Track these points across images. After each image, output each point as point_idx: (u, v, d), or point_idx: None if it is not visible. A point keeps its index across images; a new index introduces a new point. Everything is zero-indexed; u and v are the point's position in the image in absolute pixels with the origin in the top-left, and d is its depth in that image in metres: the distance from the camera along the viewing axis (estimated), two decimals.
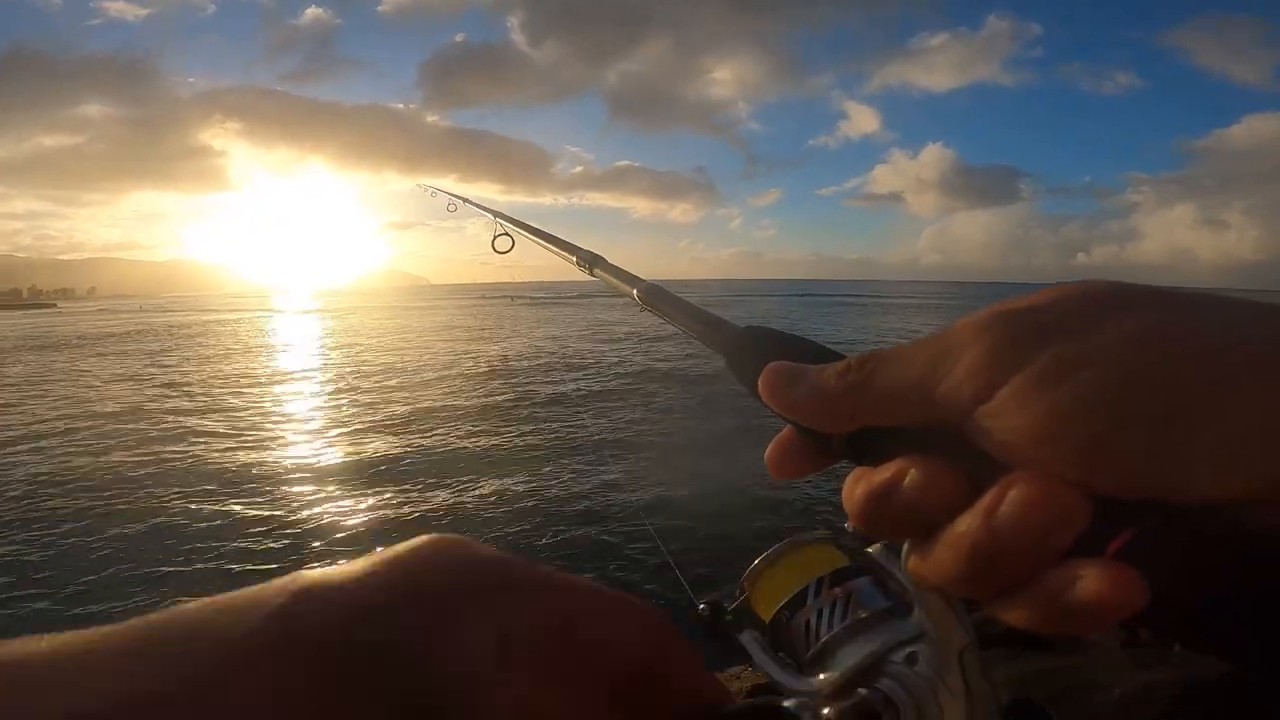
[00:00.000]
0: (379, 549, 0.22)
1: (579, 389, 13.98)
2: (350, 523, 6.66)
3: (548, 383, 14.93)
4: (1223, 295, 0.24)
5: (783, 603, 0.33)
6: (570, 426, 10.48)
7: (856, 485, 0.26)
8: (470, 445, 9.40)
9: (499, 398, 13.09)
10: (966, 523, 0.23)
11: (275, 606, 0.20)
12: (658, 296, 0.47)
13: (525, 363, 18.64)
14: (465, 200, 1.43)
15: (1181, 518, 0.21)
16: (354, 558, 0.22)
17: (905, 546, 0.27)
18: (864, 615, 0.30)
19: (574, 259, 0.70)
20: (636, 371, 16.19)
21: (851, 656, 0.29)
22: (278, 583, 0.21)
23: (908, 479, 0.24)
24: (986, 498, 0.22)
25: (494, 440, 9.67)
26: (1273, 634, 0.20)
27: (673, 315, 0.44)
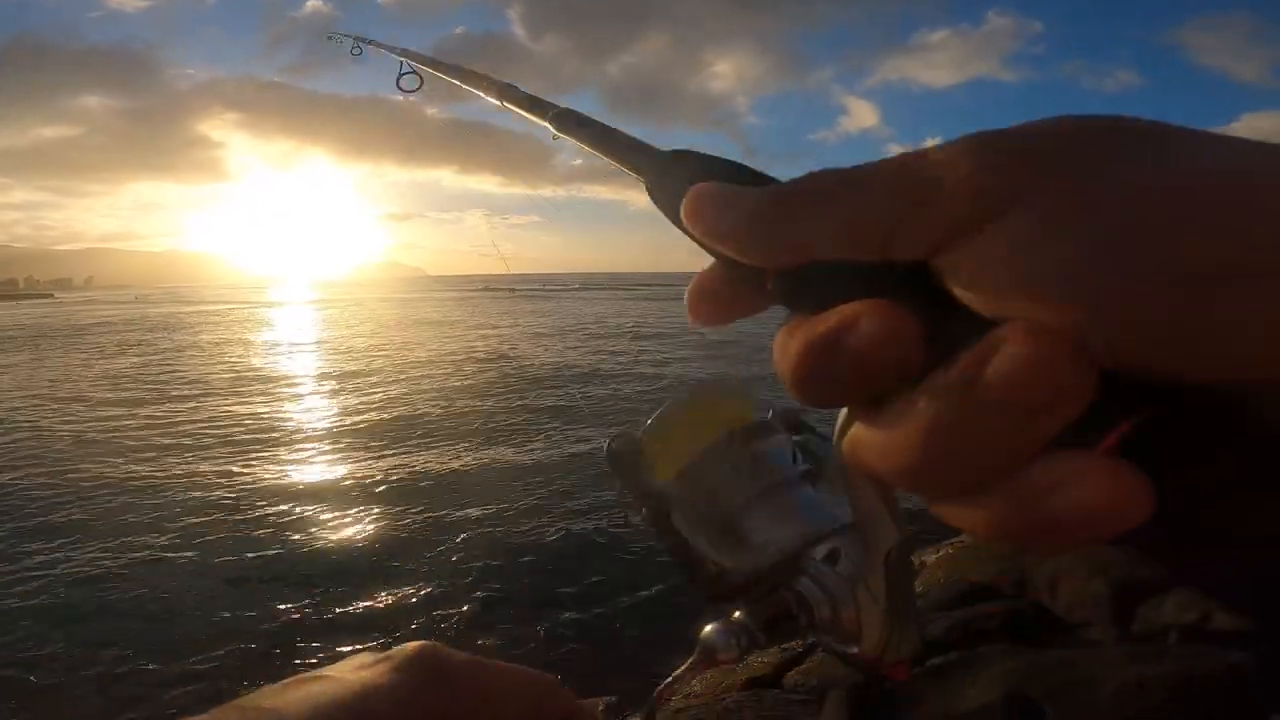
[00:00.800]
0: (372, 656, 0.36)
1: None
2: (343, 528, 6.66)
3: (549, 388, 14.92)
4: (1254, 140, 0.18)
5: (684, 464, 0.30)
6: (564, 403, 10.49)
7: (791, 337, 0.21)
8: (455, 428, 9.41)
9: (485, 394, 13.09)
10: (932, 391, 0.18)
11: None
12: (575, 122, 0.43)
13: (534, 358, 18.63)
14: (369, 41, 1.34)
15: (1199, 407, 0.16)
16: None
17: (842, 416, 0.22)
18: (768, 482, 0.28)
19: (483, 91, 0.68)
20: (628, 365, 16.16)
21: (766, 539, 0.27)
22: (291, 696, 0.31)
23: (860, 325, 0.19)
24: (965, 356, 0.17)
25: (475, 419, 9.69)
26: None
27: (592, 141, 0.40)
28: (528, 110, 0.54)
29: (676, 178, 0.28)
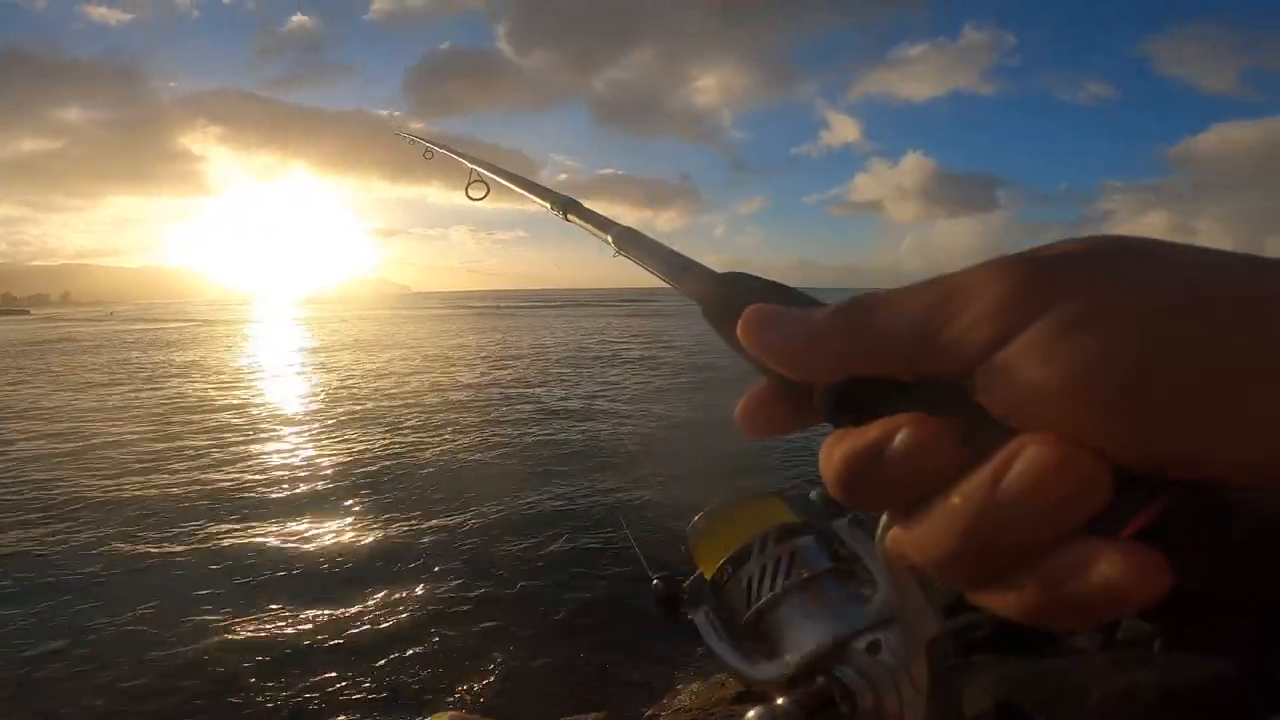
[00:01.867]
0: None
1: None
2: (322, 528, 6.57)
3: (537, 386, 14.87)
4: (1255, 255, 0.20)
5: (726, 558, 0.31)
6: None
7: (836, 446, 0.23)
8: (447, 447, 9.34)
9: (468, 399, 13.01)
10: (966, 489, 0.20)
11: None
12: (633, 240, 0.46)
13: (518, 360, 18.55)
14: (441, 147, 1.38)
15: (1215, 498, 0.18)
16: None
17: (883, 519, 0.24)
18: (805, 576, 0.29)
19: (548, 204, 0.70)
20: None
21: (807, 634, 0.28)
22: None
23: (898, 438, 0.21)
24: (994, 460, 0.19)
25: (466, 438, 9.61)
26: None
27: (648, 260, 0.42)
28: (591, 225, 0.57)
29: (730, 298, 0.30)
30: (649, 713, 3.26)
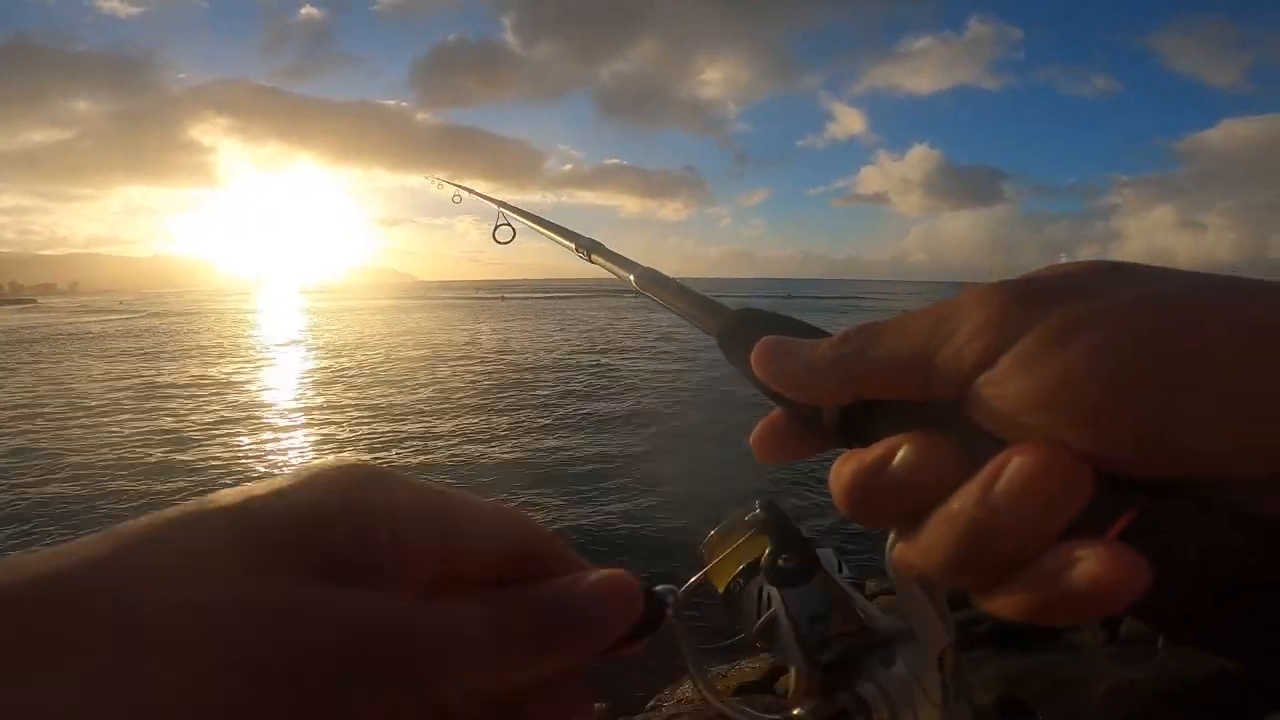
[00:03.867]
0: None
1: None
2: None
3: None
4: (1241, 277, 0.22)
5: (738, 570, 0.32)
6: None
7: (845, 466, 0.24)
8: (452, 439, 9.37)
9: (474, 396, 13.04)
10: (961, 500, 0.21)
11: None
12: (654, 281, 0.48)
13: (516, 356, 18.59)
14: (470, 190, 1.44)
15: (1190, 497, 0.19)
16: None
17: (891, 535, 0.25)
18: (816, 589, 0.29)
19: (573, 246, 0.73)
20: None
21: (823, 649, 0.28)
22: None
23: (899, 456, 0.23)
24: (984, 471, 0.21)
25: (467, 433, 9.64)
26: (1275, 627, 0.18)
27: (668, 300, 0.45)
28: (615, 266, 0.60)
29: (744, 331, 0.32)
30: (650, 704, 3.28)
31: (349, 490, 0.22)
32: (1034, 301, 0.22)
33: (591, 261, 0.68)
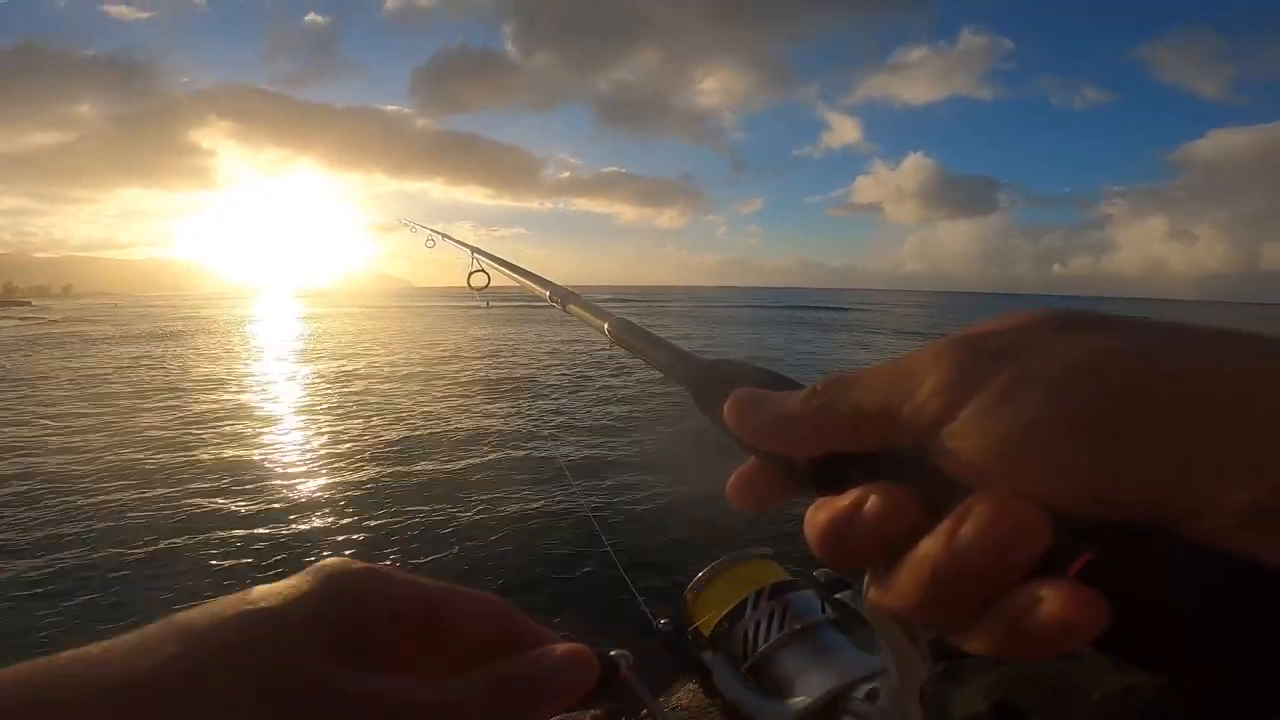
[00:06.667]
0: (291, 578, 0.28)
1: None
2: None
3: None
4: (1186, 323, 0.23)
5: (723, 614, 0.33)
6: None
7: (818, 514, 0.26)
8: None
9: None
10: (928, 545, 0.23)
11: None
12: (628, 331, 0.48)
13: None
14: (444, 235, 1.46)
15: (1145, 538, 0.20)
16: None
17: (866, 577, 0.26)
18: (799, 627, 0.31)
19: (547, 294, 0.72)
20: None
21: (804, 683, 0.29)
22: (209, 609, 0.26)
23: (869, 504, 0.24)
24: (948, 519, 0.22)
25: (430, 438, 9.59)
26: (1228, 652, 0.19)
27: (641, 350, 0.45)
28: (588, 315, 0.59)
29: (716, 383, 0.33)
30: (645, 711, 3.27)
31: (351, 585, 0.28)
32: (987, 359, 0.23)
33: (566, 311, 0.67)
